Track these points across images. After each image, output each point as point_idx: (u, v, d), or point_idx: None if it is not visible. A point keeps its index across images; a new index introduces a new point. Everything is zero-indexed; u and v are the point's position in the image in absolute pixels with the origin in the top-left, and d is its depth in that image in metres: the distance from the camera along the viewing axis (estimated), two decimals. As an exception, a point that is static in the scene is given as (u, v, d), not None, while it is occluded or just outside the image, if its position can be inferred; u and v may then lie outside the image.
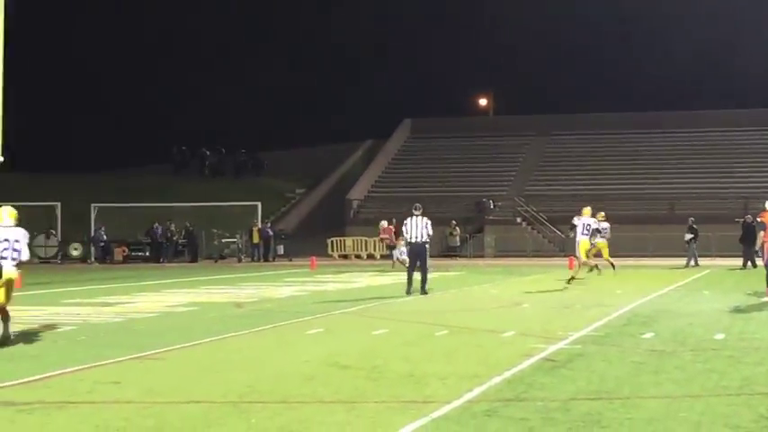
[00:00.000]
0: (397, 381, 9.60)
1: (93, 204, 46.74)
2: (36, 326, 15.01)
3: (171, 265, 42.08)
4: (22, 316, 16.62)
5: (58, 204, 46.19)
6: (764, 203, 20.54)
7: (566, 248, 35.39)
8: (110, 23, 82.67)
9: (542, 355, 11.24)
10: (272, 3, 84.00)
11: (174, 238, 46.02)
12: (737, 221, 35.85)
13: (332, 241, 48.86)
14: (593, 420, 7.66)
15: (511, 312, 17.29)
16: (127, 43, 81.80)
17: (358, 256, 47.40)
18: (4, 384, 9.53)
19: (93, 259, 45.41)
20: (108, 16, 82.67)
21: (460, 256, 46.42)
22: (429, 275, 21.96)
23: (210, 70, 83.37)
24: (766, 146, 55.69)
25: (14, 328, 14.61)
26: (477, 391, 8.93)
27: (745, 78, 71.58)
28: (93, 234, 45.96)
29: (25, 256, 13.02)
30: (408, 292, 21.18)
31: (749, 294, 20.45)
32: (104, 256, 45.35)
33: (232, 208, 48.16)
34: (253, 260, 45.04)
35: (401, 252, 33.75)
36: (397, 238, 37.85)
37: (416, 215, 21.40)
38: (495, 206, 51.33)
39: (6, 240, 12.78)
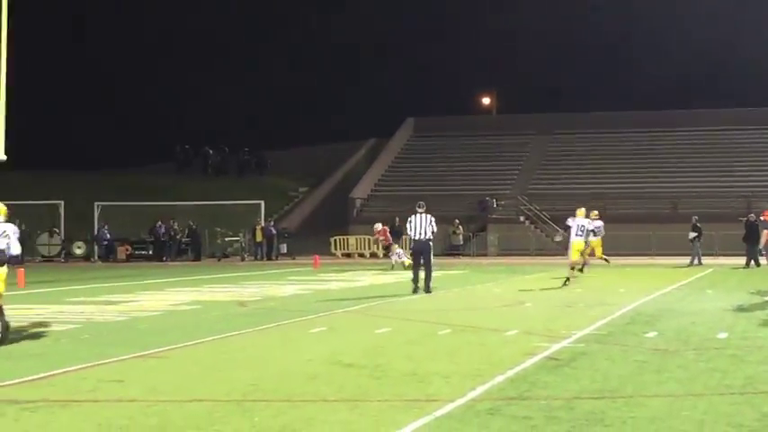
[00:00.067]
0: (401, 379, 9.60)
1: (96, 203, 46.77)
2: (39, 324, 15.03)
3: (174, 264, 42.12)
4: (26, 314, 16.66)
5: (62, 203, 46.23)
6: None
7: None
8: (113, 23, 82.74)
9: (545, 353, 11.23)
10: (273, 2, 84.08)
11: (178, 237, 46.06)
12: (741, 220, 35.83)
13: (335, 240, 48.88)
14: (596, 419, 7.66)
15: (514, 311, 17.29)
16: (130, 42, 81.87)
17: (361, 255, 47.40)
18: (8, 383, 9.55)
19: (96, 258, 45.45)
20: (110, 15, 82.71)
21: (463, 255, 46.40)
22: (432, 274, 21.92)
23: (214, 69, 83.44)
24: (770, 145, 55.71)
25: (18, 327, 14.66)
26: (480, 389, 8.94)
27: (748, 77, 71.54)
28: (96, 232, 46.00)
29: (15, 250, 12.96)
30: (415, 291, 21.17)
31: (752, 293, 20.46)
32: (108, 255, 45.40)
33: (235, 207, 48.20)
34: (256, 259, 45.06)
35: (399, 255, 33.98)
36: (393, 241, 38.02)
37: (420, 212, 21.37)
38: (498, 205, 51.31)
39: (6, 236, 12.77)
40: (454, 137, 60.18)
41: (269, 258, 44.92)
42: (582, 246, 24.39)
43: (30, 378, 9.83)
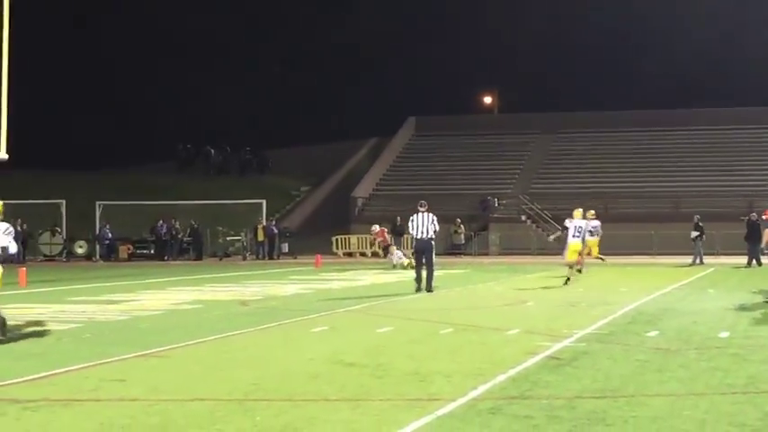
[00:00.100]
0: (402, 378, 9.61)
1: (98, 202, 46.77)
2: (41, 323, 15.03)
3: (176, 263, 42.13)
4: (28, 313, 16.67)
5: (63, 202, 46.22)
6: None
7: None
8: (114, 22, 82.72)
9: (547, 353, 11.24)
10: (275, 2, 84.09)
11: (179, 236, 46.06)
12: (742, 219, 35.82)
13: (337, 239, 48.88)
14: (597, 418, 7.66)
15: (516, 310, 17.29)
16: (132, 42, 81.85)
17: (363, 254, 47.40)
18: (10, 382, 9.55)
19: (98, 257, 45.42)
20: (112, 15, 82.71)
21: (465, 254, 46.41)
22: (434, 273, 21.95)
23: (215, 68, 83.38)
24: (771, 144, 55.70)
25: (20, 326, 14.67)
26: (482, 388, 8.94)
27: (750, 76, 71.44)
28: (98, 232, 45.99)
29: (12, 249, 12.91)
30: (418, 290, 21.21)
31: (754, 292, 20.44)
32: (109, 254, 45.39)
33: (237, 206, 48.21)
34: (257, 258, 45.05)
35: (399, 257, 34.11)
36: (394, 240, 38.04)
37: (422, 211, 21.40)
38: (499, 204, 51.32)
39: None
40: (456, 136, 60.17)
41: (270, 258, 44.91)
42: (579, 246, 24.40)
43: (31, 377, 9.83)
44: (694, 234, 35.84)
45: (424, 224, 21.26)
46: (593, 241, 27.95)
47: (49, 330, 14.18)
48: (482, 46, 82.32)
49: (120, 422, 7.66)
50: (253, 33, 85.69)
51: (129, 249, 45.67)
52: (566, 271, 24.27)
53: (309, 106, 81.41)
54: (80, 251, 46.43)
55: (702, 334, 13.09)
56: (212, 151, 68.10)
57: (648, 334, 13.12)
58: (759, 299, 18.53)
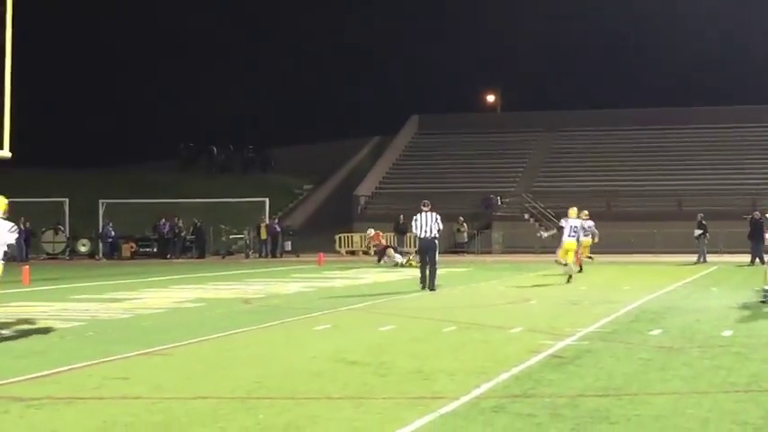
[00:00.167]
0: (405, 377, 9.61)
1: (101, 200, 46.78)
2: (44, 322, 15.03)
3: (178, 262, 42.14)
4: (31, 311, 16.68)
5: (66, 200, 46.25)
6: None
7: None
8: (117, 22, 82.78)
9: (550, 351, 11.23)
10: (279, 1, 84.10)
11: (182, 234, 46.08)
12: (745, 218, 35.80)
13: (339, 237, 48.87)
14: (600, 417, 7.66)
15: (518, 308, 17.28)
16: (135, 41, 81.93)
17: (365, 253, 47.38)
18: (13, 380, 9.56)
19: (101, 255, 45.47)
20: (115, 15, 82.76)
21: (468, 253, 46.42)
22: (437, 271, 22.02)
23: (218, 67, 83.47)
24: (775, 142, 55.65)
25: (23, 324, 14.70)
26: (484, 387, 8.94)
27: (753, 74, 71.46)
28: (101, 230, 46.02)
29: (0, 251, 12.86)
30: (423, 288, 21.35)
31: (757, 291, 20.40)
32: (112, 252, 45.41)
33: (240, 204, 48.22)
34: (260, 256, 45.08)
35: (397, 257, 34.31)
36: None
37: (425, 211, 21.50)
38: (502, 202, 51.31)
39: None
40: (458, 134, 60.16)
41: (273, 256, 44.95)
42: (574, 245, 24.45)
43: (34, 375, 9.84)
44: (698, 232, 35.82)
45: (427, 223, 21.38)
46: (586, 241, 27.99)
47: (52, 328, 14.19)
48: (484, 45, 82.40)
49: (124, 420, 7.66)
50: (255, 33, 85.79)
51: (132, 248, 45.67)
52: (564, 269, 24.29)
53: (312, 105, 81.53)
54: (83, 249, 46.46)
55: (705, 332, 13.08)
56: (215, 149, 68.12)
57: (651, 332, 13.11)
58: (761, 297, 18.44)
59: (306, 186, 62.43)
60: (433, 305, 17.98)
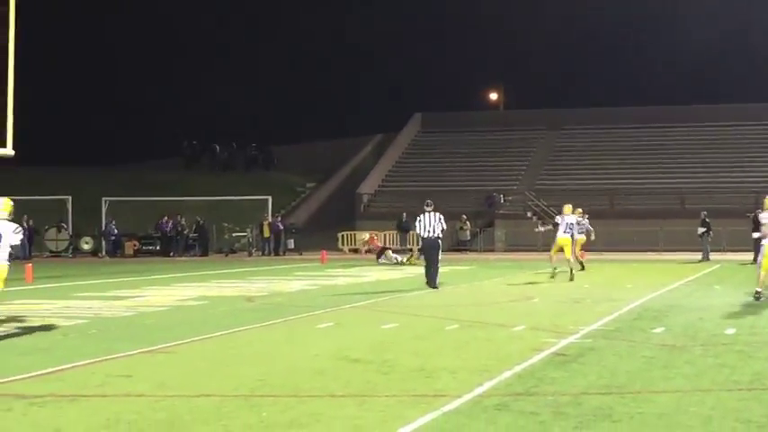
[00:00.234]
0: (408, 375, 9.61)
1: (104, 198, 46.83)
2: (47, 319, 15.05)
3: (181, 259, 42.18)
4: (34, 309, 16.70)
5: (69, 198, 46.30)
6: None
7: (588, 243, 35.34)
8: (121, 20, 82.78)
9: (553, 349, 11.24)
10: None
11: (185, 232, 46.11)
12: (748, 216, 35.76)
13: (342, 235, 48.87)
14: (603, 414, 7.66)
15: (521, 306, 17.28)
16: (138, 38, 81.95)
17: (368, 251, 47.39)
18: (16, 378, 9.57)
19: (103, 253, 45.51)
20: (118, 13, 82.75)
21: (471, 251, 46.42)
22: (440, 269, 22.07)
23: (221, 64, 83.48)
24: (778, 140, 55.61)
25: (25, 322, 14.71)
26: (487, 385, 8.94)
27: (756, 72, 71.38)
28: (104, 228, 46.05)
29: (3, 253, 12.86)
30: (430, 286, 21.44)
31: (764, 290, 20.37)
32: (115, 250, 45.44)
33: (242, 202, 48.24)
34: (263, 254, 45.11)
35: (395, 257, 34.50)
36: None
37: (428, 211, 21.58)
38: (505, 200, 51.30)
39: None
40: (461, 132, 60.17)
41: (276, 254, 44.97)
42: (568, 241, 24.54)
43: (38, 373, 9.85)
44: (701, 230, 35.80)
45: (431, 223, 21.49)
46: (581, 239, 28.11)
47: (55, 326, 14.21)
48: (487, 43, 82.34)
49: (127, 418, 7.67)
50: (257, 31, 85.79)
51: (134, 245, 45.71)
52: (566, 267, 24.37)
53: (315, 102, 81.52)
54: (86, 247, 46.50)
55: (708, 330, 13.07)
56: (218, 147, 68.16)
57: (654, 330, 13.11)
58: (764, 295, 18.39)
59: (309, 184, 62.44)
60: (435, 303, 17.98)
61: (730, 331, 12.94)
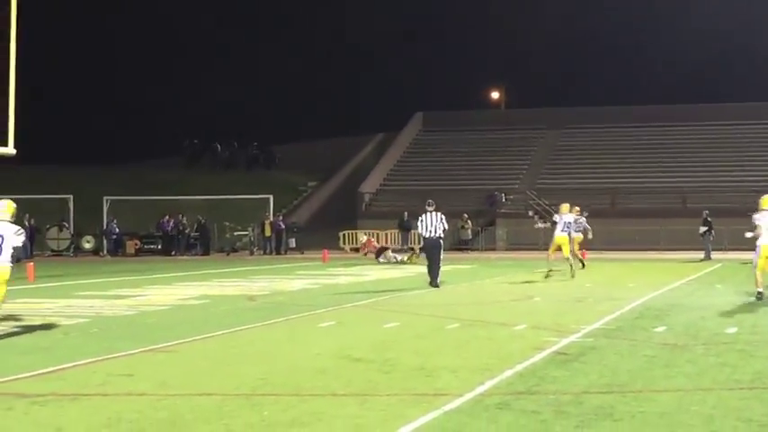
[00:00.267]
0: (409, 373, 9.61)
1: (105, 197, 46.85)
2: (49, 318, 15.06)
3: (183, 258, 42.19)
4: (35, 308, 16.71)
5: (71, 197, 46.31)
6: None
7: (586, 241, 35.37)
8: (122, 19, 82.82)
9: (554, 348, 11.23)
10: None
11: (186, 231, 46.12)
12: (750, 215, 35.73)
13: (344, 234, 48.88)
14: (605, 413, 7.66)
15: (522, 305, 17.28)
16: (140, 37, 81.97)
17: (367, 254, 47.39)
18: (18, 377, 9.58)
19: (105, 252, 45.52)
20: (120, 12, 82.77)
21: (472, 250, 46.40)
22: (441, 268, 22.10)
23: (222, 63, 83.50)
24: (780, 139, 55.58)
25: (27, 320, 14.72)
26: (488, 384, 8.94)
27: (758, 70, 71.35)
28: (105, 227, 46.07)
29: (6, 255, 12.86)
30: (433, 285, 21.49)
31: (765, 289, 20.35)
32: (117, 249, 45.45)
33: (244, 201, 48.25)
34: (265, 253, 45.12)
35: (395, 257, 34.54)
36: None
37: (430, 211, 21.62)
38: (506, 199, 51.29)
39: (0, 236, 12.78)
40: (463, 131, 60.17)
41: (278, 253, 44.97)
42: (566, 240, 24.65)
43: (39, 372, 9.85)
44: (703, 229, 35.78)
45: (432, 223, 21.56)
46: (578, 237, 28.24)
47: (56, 325, 14.21)
48: (489, 41, 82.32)
49: (128, 417, 7.67)
50: (259, 30, 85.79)
51: (136, 244, 45.72)
52: (559, 266, 24.53)
53: (316, 102, 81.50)
54: (87, 246, 46.51)
55: (710, 329, 13.07)
56: (219, 146, 68.17)
57: (656, 329, 13.11)
58: (766, 294, 18.38)
59: (310, 183, 62.44)
60: (436, 302, 17.98)
61: (732, 330, 12.94)
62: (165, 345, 11.83)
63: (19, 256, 13.01)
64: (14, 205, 13.29)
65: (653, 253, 40.75)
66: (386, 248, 37.03)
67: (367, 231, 47.91)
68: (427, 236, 21.78)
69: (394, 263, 34.02)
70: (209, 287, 22.64)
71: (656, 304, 16.85)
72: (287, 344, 12.09)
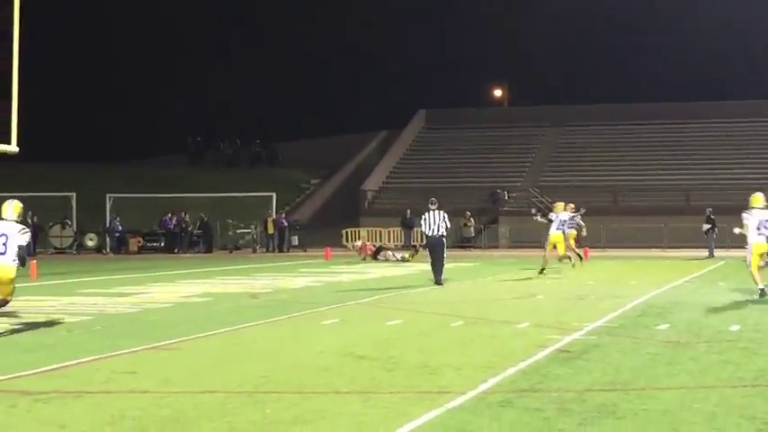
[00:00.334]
0: (412, 371, 9.61)
1: (108, 195, 46.87)
2: (52, 316, 15.08)
3: (186, 256, 42.20)
4: (39, 306, 16.73)
5: (74, 195, 46.33)
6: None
7: (580, 238, 35.38)
8: (126, 17, 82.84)
9: (557, 345, 11.23)
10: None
11: (189, 229, 46.13)
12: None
13: (346, 232, 48.87)
14: (608, 411, 7.66)
15: (525, 303, 17.28)
16: (142, 35, 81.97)
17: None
18: (21, 374, 9.59)
19: (108, 250, 45.52)
20: (123, 10, 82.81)
21: (475, 247, 46.38)
22: (445, 266, 22.12)
23: (225, 62, 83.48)
24: (783, 136, 55.52)
25: (30, 318, 14.73)
26: (491, 381, 8.94)
27: (761, 68, 71.28)
28: (108, 224, 46.09)
29: (10, 254, 12.91)
30: (436, 283, 21.52)
31: (765, 285, 20.34)
32: (119, 247, 45.48)
33: (247, 199, 48.26)
34: (267, 251, 45.12)
35: (393, 255, 34.58)
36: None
37: (433, 209, 21.64)
38: (509, 197, 51.25)
39: (3, 235, 12.86)
40: (465, 129, 60.12)
41: (280, 250, 44.98)
42: (560, 238, 24.99)
43: (42, 369, 9.86)
44: (706, 227, 35.76)
45: (435, 222, 21.59)
46: (572, 233, 28.34)
47: (59, 323, 14.23)
48: (492, 39, 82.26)
49: (132, 414, 7.68)
50: (261, 28, 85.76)
51: (139, 242, 45.75)
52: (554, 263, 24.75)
53: (319, 99, 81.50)
54: (90, 244, 46.53)
55: (713, 327, 13.06)
56: (222, 144, 68.19)
57: (659, 327, 13.11)
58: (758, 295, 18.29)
59: (313, 181, 62.45)
60: (440, 300, 17.98)
61: (735, 328, 12.94)
62: (168, 342, 11.84)
63: (23, 256, 13.02)
64: (21, 205, 13.38)
65: (656, 251, 40.74)
66: (383, 248, 36.97)
67: (369, 229, 47.96)
68: (430, 234, 21.81)
69: (394, 261, 33.98)
70: (212, 285, 22.65)
71: (658, 302, 16.84)
72: (290, 341, 12.10)
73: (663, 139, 56.49)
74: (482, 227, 48.46)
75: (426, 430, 7.19)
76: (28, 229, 13.58)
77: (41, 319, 14.63)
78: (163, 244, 45.78)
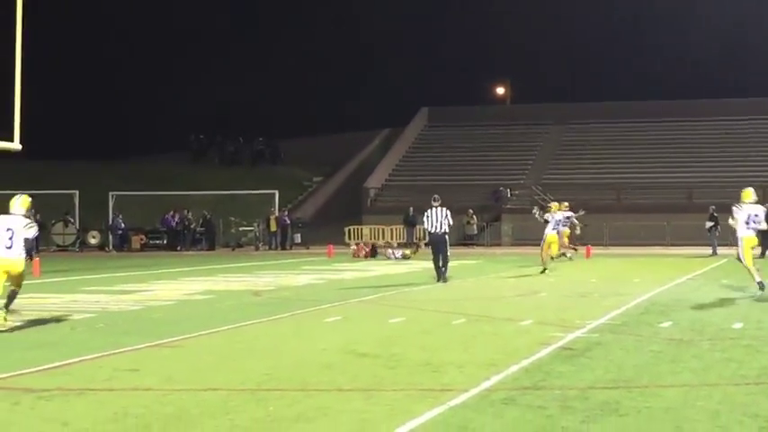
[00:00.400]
0: (415, 369, 9.61)
1: (111, 192, 46.89)
2: (55, 313, 15.10)
3: (188, 254, 42.22)
4: (41, 303, 16.74)
5: (76, 192, 46.35)
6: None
7: (583, 236, 35.37)
8: (129, 13, 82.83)
9: (560, 343, 11.23)
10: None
11: (192, 227, 46.16)
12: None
13: (349, 230, 48.87)
14: (611, 409, 7.65)
15: (528, 301, 17.28)
16: (145, 31, 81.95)
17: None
18: (24, 371, 9.59)
19: (110, 247, 45.58)
20: (125, 10, 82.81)
21: (478, 245, 46.37)
22: (448, 264, 22.16)
23: (229, 58, 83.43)
24: (786, 134, 55.47)
25: (33, 315, 14.74)
26: (494, 379, 8.94)
27: (763, 66, 71.19)
28: (110, 222, 46.13)
29: (17, 248, 12.93)
30: (438, 280, 21.55)
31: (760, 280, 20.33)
32: (122, 244, 45.53)
33: (249, 196, 48.28)
34: (270, 248, 45.12)
35: (393, 253, 34.64)
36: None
37: (435, 206, 21.67)
38: (512, 195, 51.23)
39: (9, 230, 12.89)
40: (468, 127, 60.11)
41: (283, 248, 44.99)
42: (555, 239, 25.38)
43: (45, 367, 9.87)
44: (709, 224, 35.73)
45: (437, 219, 21.61)
46: (566, 231, 28.55)
47: (62, 320, 14.25)
48: (494, 36, 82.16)
49: (135, 411, 7.68)
50: (264, 25, 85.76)
51: (141, 240, 45.79)
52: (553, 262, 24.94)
53: (322, 97, 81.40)
54: (93, 241, 46.57)
55: (716, 325, 13.05)
56: (225, 141, 68.19)
57: (661, 325, 13.10)
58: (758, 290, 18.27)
59: (315, 178, 62.44)
60: (442, 297, 17.99)
61: (738, 325, 12.92)
62: (170, 340, 11.85)
63: (29, 249, 13.09)
64: (30, 199, 13.45)
65: (659, 248, 40.72)
66: (376, 246, 36.92)
67: (371, 227, 47.96)
68: (432, 231, 21.83)
69: (394, 259, 33.92)
70: (215, 282, 22.66)
71: (661, 299, 16.83)
72: (292, 339, 12.10)
73: (666, 136, 56.45)
74: (485, 224, 48.45)
75: (429, 428, 7.18)
76: (34, 224, 13.62)
77: (44, 316, 14.65)
78: (165, 241, 45.81)
